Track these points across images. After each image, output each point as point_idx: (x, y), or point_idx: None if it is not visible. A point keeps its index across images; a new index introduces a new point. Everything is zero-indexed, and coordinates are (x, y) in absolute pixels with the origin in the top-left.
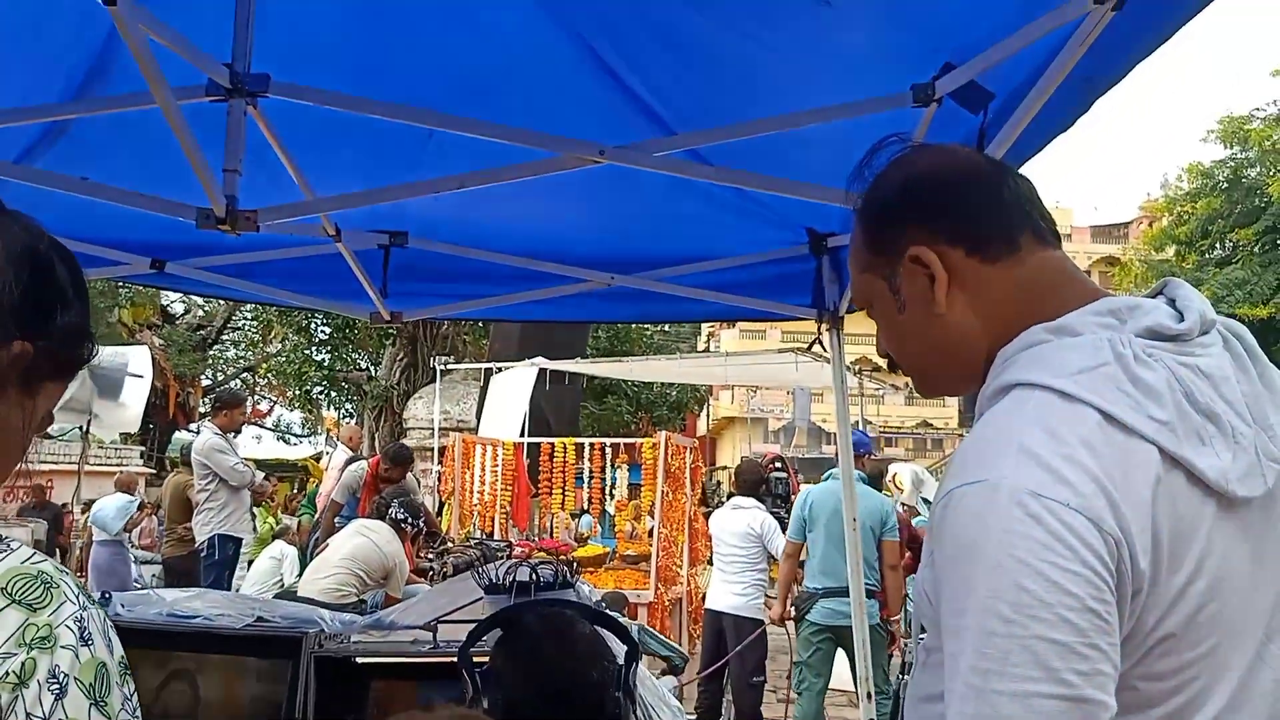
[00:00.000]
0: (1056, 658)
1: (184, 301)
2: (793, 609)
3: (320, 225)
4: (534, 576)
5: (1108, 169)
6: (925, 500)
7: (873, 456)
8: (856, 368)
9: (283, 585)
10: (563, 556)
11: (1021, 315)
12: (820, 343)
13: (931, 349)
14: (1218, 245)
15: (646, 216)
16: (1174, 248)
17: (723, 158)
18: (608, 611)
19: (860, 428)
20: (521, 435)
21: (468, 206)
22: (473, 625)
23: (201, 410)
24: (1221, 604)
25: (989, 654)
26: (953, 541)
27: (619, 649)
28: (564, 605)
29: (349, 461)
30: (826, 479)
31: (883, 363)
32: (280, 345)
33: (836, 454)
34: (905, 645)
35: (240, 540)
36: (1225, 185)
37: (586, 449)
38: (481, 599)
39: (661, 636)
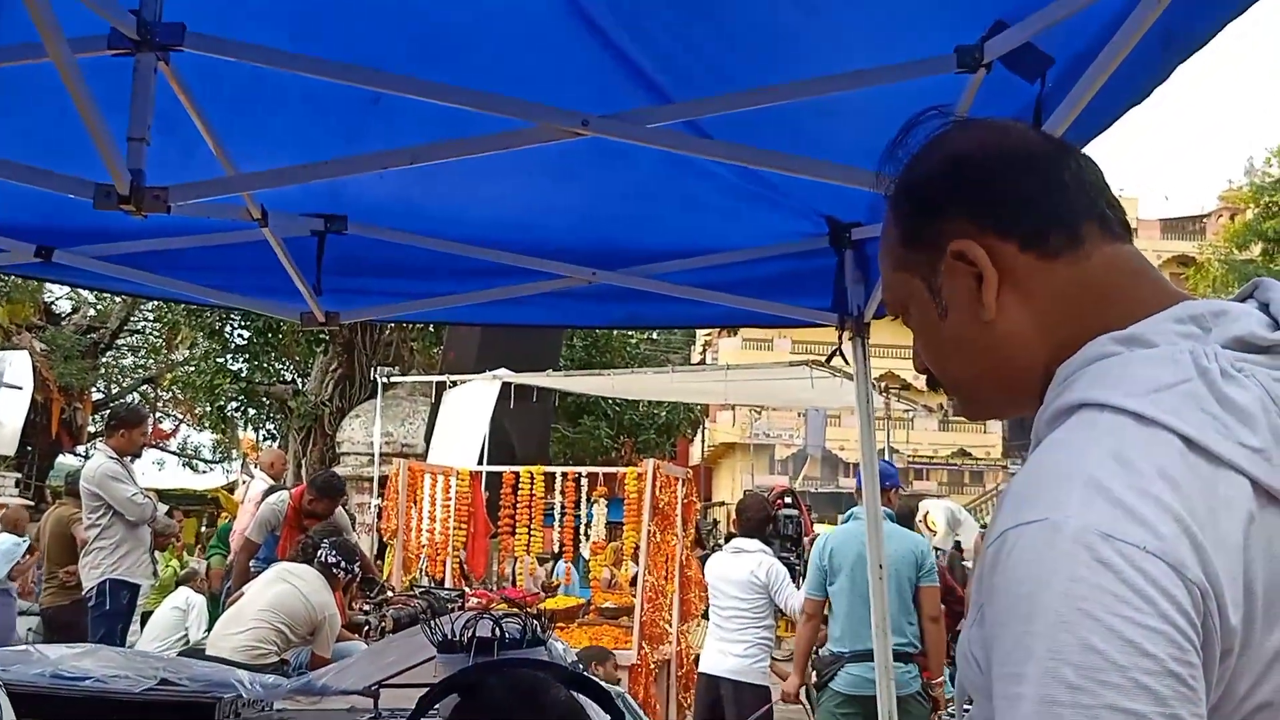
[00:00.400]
0: None
1: (72, 298)
2: (813, 674)
3: (243, 207)
4: (497, 632)
5: (1181, 150)
6: (958, 545)
7: (900, 491)
8: (882, 385)
9: (188, 641)
10: (531, 609)
11: (1086, 322)
12: (841, 354)
13: (979, 363)
14: None
15: (636, 201)
16: (1260, 245)
17: (728, 131)
18: (588, 675)
19: (886, 456)
20: (480, 463)
21: (420, 187)
22: (423, 690)
23: (91, 430)
24: None
25: None
26: (1006, 593)
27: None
28: (534, 666)
29: (268, 492)
30: (848, 519)
31: (914, 379)
32: (188, 352)
33: (857, 488)
34: (943, 717)
35: (137, 587)
36: None
37: (558, 480)
38: (433, 659)
39: (639, 710)
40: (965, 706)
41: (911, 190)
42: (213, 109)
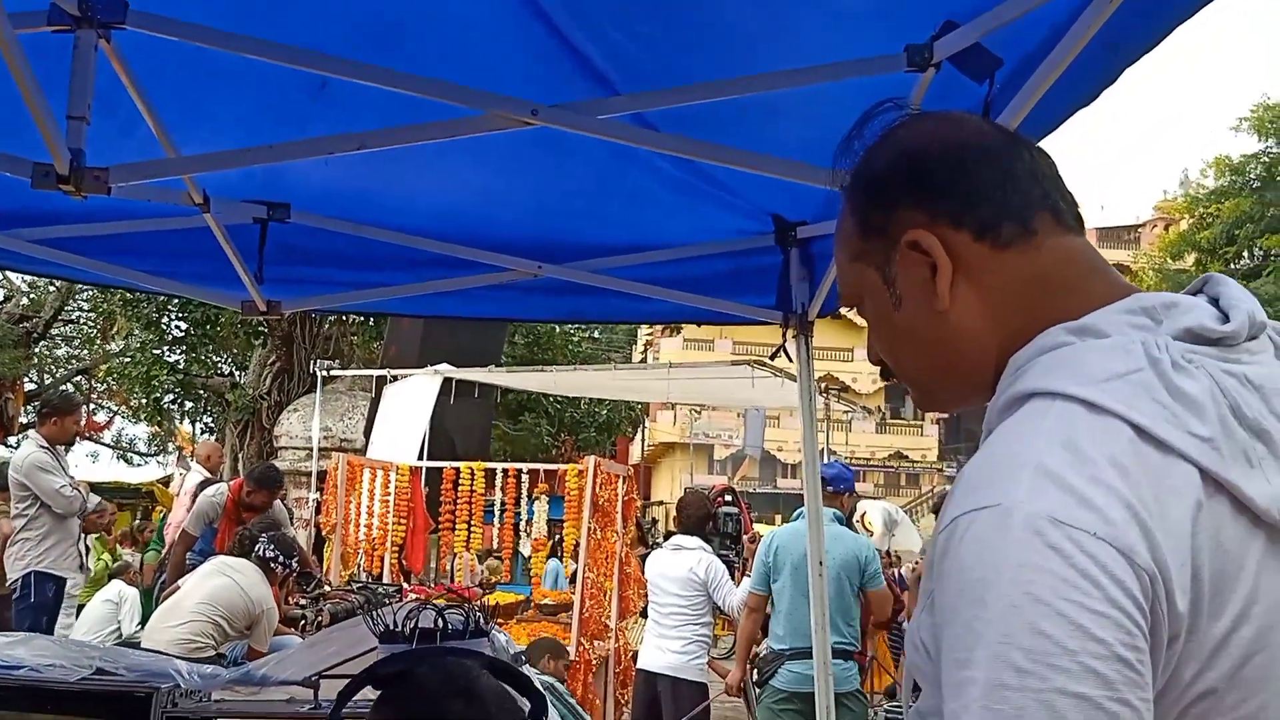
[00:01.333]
0: (1079, 715)
1: (4, 285)
2: (755, 672)
3: (184, 192)
4: (439, 622)
5: (1117, 160)
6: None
7: (854, 495)
8: (822, 386)
9: (121, 635)
10: (473, 602)
11: (1038, 313)
12: (785, 352)
13: (932, 353)
14: (1245, 254)
15: (583, 195)
16: (1194, 255)
17: (677, 126)
18: (504, 661)
19: (826, 459)
20: (420, 458)
21: (365, 175)
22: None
23: (24, 420)
24: (1271, 655)
25: (1000, 711)
26: (957, 578)
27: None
28: (463, 655)
29: (204, 484)
30: (797, 518)
31: (853, 381)
32: (124, 343)
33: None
34: (875, 714)
35: (64, 580)
36: (1258, 184)
37: (498, 476)
38: (375, 649)
39: (570, 698)
40: (912, 698)
41: (866, 181)
42: (155, 90)
